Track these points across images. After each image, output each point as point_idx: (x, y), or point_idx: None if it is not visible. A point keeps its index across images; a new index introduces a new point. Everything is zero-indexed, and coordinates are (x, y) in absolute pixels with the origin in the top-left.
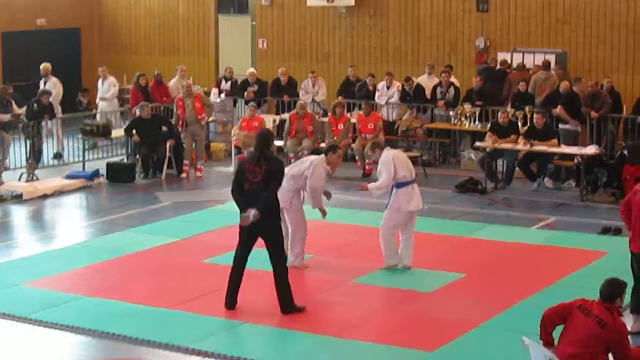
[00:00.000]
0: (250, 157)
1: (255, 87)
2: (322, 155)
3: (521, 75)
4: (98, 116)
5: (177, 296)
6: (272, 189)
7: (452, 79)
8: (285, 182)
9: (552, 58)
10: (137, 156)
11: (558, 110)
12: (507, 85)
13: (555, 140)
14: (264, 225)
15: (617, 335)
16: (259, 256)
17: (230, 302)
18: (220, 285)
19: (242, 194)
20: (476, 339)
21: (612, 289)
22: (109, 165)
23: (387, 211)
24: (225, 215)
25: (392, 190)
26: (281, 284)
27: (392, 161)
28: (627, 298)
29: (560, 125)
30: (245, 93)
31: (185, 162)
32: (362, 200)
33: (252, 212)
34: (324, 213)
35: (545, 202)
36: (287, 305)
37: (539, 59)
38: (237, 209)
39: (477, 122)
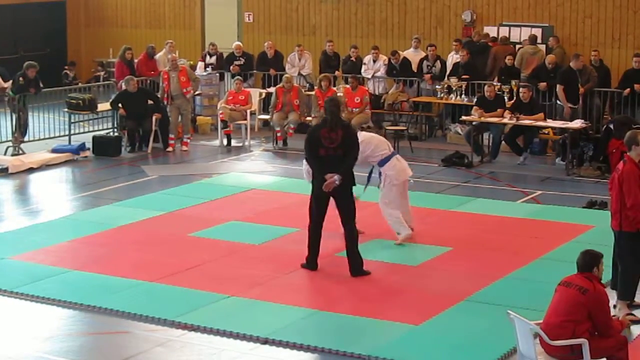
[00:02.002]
0: (323, 123)
1: (242, 61)
2: None
3: (505, 49)
4: None
5: (162, 270)
6: (354, 155)
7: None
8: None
9: (538, 32)
10: (124, 130)
11: (558, 91)
12: (491, 60)
13: (541, 115)
14: (338, 187)
15: (598, 300)
16: (242, 229)
17: (314, 264)
18: (205, 258)
19: (319, 160)
20: (462, 313)
21: (587, 260)
22: (95, 138)
23: (382, 190)
24: (211, 188)
25: (379, 172)
26: (350, 248)
27: (370, 142)
28: (607, 276)
29: (559, 102)
30: (231, 67)
31: (171, 135)
32: None
33: (336, 177)
34: None
35: (531, 176)
36: (357, 269)
37: (526, 33)
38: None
39: (463, 95)
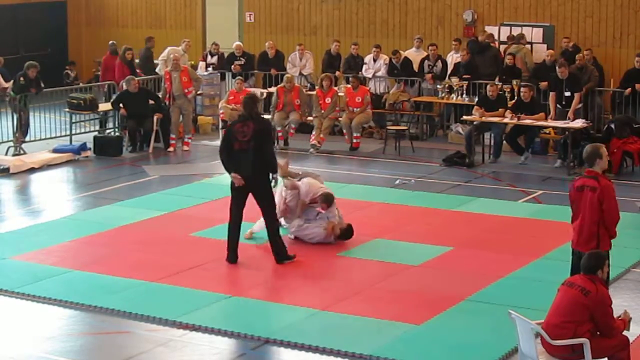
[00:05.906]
0: (238, 119)
1: (242, 61)
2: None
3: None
4: None
5: (164, 269)
6: (269, 148)
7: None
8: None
9: (539, 32)
10: (125, 130)
11: (550, 97)
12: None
13: (542, 114)
14: (255, 182)
15: (600, 302)
16: (243, 229)
17: (233, 257)
18: (207, 258)
19: (230, 154)
20: (463, 312)
21: (592, 262)
22: (96, 138)
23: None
24: (212, 188)
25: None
26: (273, 236)
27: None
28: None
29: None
30: (232, 66)
31: (173, 135)
32: (348, 174)
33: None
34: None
35: (532, 176)
36: (281, 256)
37: (527, 33)
38: (227, 174)
39: (464, 95)
